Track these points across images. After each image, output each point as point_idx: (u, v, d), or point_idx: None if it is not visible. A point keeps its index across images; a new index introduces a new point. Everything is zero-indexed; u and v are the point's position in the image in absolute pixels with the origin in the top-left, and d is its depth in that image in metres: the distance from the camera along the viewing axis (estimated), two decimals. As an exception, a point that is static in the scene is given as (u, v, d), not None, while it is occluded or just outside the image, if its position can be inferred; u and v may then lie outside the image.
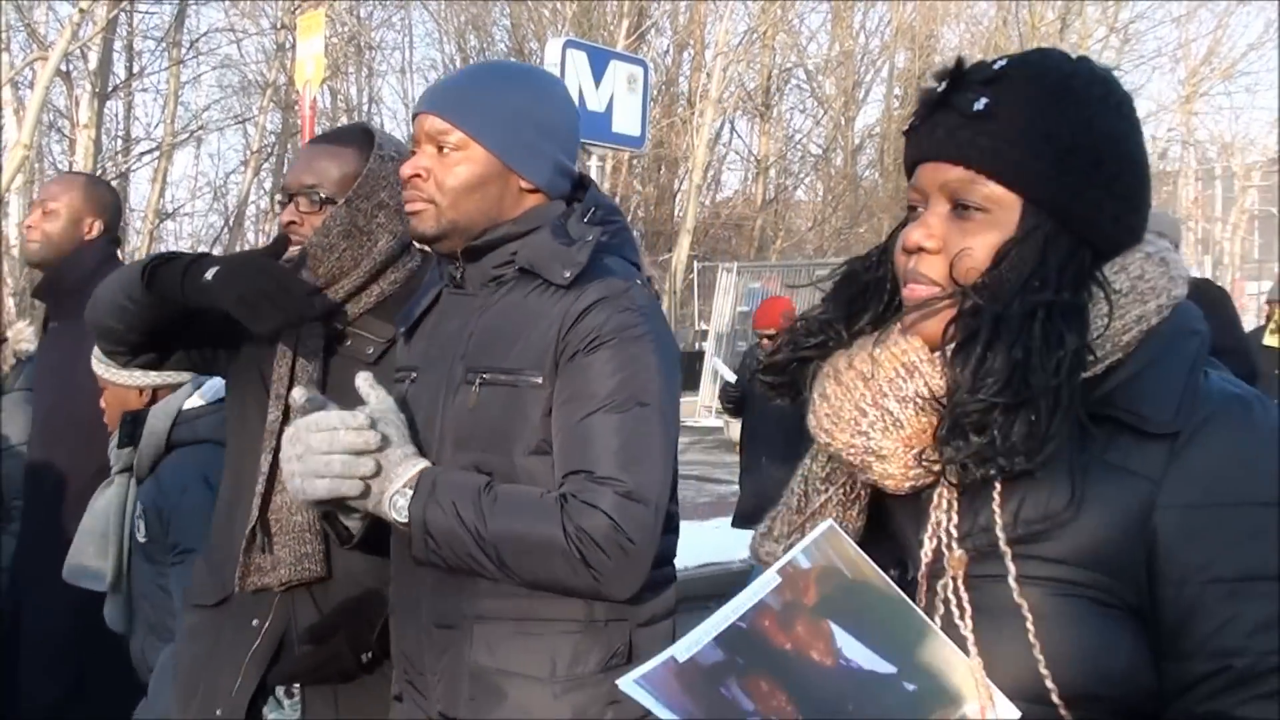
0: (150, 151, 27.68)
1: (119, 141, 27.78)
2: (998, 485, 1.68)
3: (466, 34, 34.90)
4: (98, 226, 5.04)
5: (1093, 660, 1.64)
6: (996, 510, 1.68)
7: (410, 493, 2.50)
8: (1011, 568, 1.66)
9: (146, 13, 26.11)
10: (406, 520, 2.49)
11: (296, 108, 23.90)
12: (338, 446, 2.47)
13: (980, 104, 1.74)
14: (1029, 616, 1.64)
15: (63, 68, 19.94)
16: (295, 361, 3.13)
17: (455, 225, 2.72)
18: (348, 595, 3.07)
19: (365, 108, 35.53)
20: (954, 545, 1.71)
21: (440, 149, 2.73)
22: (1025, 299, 1.67)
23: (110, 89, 24.48)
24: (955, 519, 1.73)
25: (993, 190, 1.72)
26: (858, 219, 37.61)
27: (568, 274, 2.62)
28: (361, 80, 35.14)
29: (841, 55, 38.69)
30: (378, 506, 2.52)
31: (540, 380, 2.60)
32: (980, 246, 1.73)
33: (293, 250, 3.10)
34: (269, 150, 30.62)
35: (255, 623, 3.13)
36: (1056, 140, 1.71)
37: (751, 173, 39.45)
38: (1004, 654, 1.64)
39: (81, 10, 17.21)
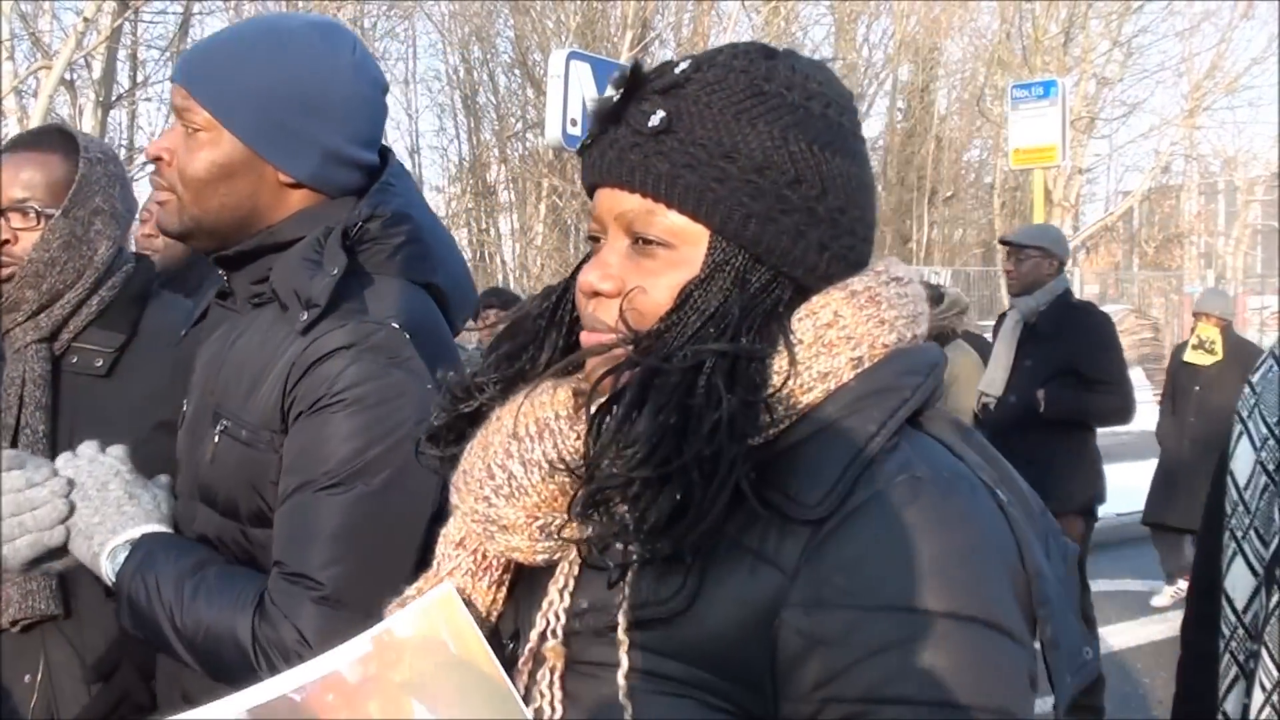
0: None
1: (123, 151, 27.81)
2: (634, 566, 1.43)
3: (470, 44, 34.87)
4: None
5: None
6: (626, 590, 1.43)
7: (125, 554, 2.20)
8: (624, 659, 1.42)
9: (150, 22, 26.11)
10: (114, 583, 2.21)
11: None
12: (24, 508, 2.22)
13: (656, 118, 1.47)
14: (627, 709, 1.41)
15: (67, 76, 19.93)
16: (24, 387, 2.86)
17: (199, 223, 2.29)
18: (110, 627, 2.71)
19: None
20: (558, 631, 1.49)
21: (188, 128, 2.27)
22: (692, 349, 1.41)
23: (114, 98, 24.47)
24: (567, 601, 1.50)
25: (674, 221, 1.47)
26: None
27: (304, 316, 2.16)
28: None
29: (844, 67, 38.69)
30: (94, 563, 2.23)
31: (271, 439, 2.17)
32: (659, 288, 1.47)
33: (4, 272, 2.86)
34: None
35: (27, 679, 2.85)
36: (744, 158, 1.45)
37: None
38: None
39: (85, 19, 17.22)
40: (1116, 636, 9.26)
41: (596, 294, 1.51)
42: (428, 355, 2.15)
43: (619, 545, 1.41)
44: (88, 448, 2.33)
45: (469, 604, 1.54)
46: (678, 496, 1.36)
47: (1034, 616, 1.41)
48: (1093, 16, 33.98)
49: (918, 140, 38.10)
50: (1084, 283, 31.64)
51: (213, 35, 2.39)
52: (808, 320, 1.46)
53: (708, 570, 1.40)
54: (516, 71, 33.96)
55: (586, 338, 1.52)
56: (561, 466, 1.46)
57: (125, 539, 2.20)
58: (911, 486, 1.39)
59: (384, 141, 2.41)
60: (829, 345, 1.45)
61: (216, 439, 2.22)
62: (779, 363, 1.43)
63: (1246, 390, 2.34)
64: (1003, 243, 7.94)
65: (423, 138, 39.85)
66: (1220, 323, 10.40)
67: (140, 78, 27.68)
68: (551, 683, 1.47)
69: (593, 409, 1.44)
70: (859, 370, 1.46)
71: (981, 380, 7.69)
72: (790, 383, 1.43)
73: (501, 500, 1.51)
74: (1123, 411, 7.43)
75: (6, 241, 2.88)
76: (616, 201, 1.49)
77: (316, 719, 1.38)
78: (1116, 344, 7.69)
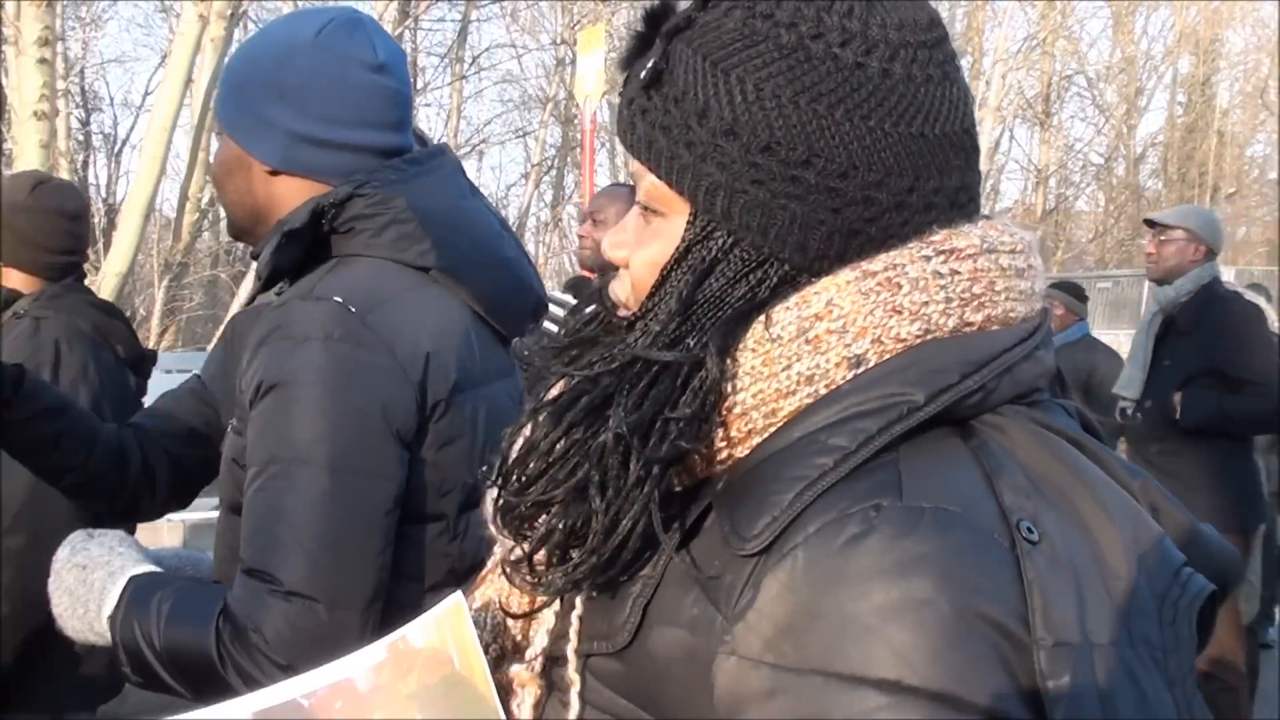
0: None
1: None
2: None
3: None
4: None
5: None
6: (575, 620, 1.32)
7: (110, 610, 2.07)
8: (574, 699, 1.31)
9: (430, 30, 26.89)
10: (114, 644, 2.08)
11: (576, 122, 24.36)
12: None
13: (646, 70, 1.25)
14: None
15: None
16: None
17: (231, 223, 2.35)
18: None
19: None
20: (538, 652, 1.37)
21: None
22: (626, 346, 1.25)
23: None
24: (551, 624, 1.37)
25: (660, 189, 1.27)
26: (1140, 231, 36.60)
27: (257, 300, 2.14)
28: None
29: (1123, 61, 37.76)
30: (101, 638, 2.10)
31: (239, 427, 2.12)
32: (648, 262, 1.29)
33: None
34: (549, 164, 31.19)
35: None
36: (714, 118, 1.21)
37: (1031, 182, 38.78)
38: None
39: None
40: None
41: (615, 264, 1.35)
42: (390, 333, 2.05)
43: (528, 578, 1.31)
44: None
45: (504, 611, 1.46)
46: (564, 521, 1.25)
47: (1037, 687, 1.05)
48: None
49: (1199, 135, 36.97)
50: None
51: None
52: (793, 310, 1.21)
53: (655, 603, 1.24)
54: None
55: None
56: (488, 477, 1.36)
57: (112, 597, 2.08)
58: (864, 520, 1.09)
59: None
60: (814, 341, 1.20)
61: (229, 436, 2.20)
62: (751, 364, 1.22)
63: None
64: (1146, 222, 6.97)
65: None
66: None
67: (420, 84, 28.48)
68: (523, 709, 1.37)
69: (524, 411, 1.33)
70: (856, 371, 1.20)
71: (1117, 382, 6.79)
72: (763, 387, 1.21)
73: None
74: (1272, 417, 6.21)
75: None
76: (630, 162, 1.32)
77: None
78: (1265, 339, 6.40)
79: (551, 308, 3.93)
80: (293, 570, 1.93)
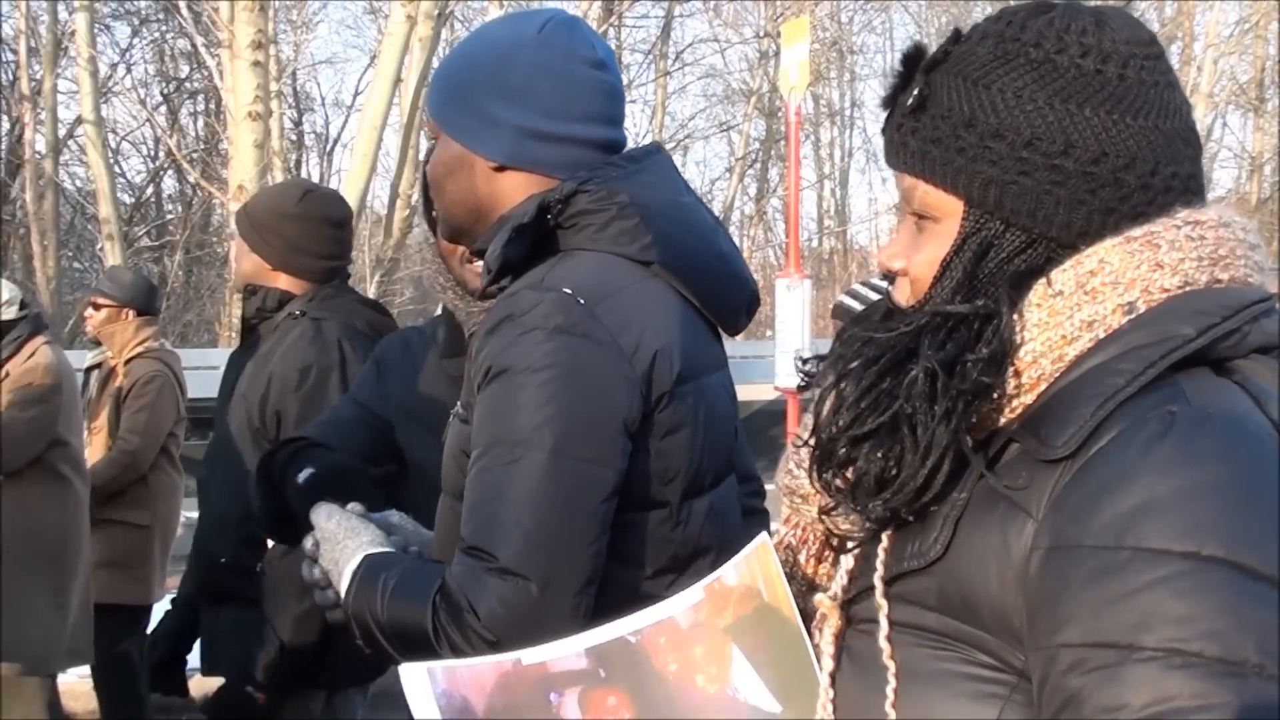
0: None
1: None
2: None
3: (947, 35, 34.53)
4: None
5: None
6: (882, 547, 1.48)
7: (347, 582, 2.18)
8: (883, 619, 1.45)
9: (634, 27, 27.05)
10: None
11: (780, 114, 24.30)
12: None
13: (912, 97, 1.51)
14: (889, 669, 1.44)
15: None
16: None
17: (449, 223, 2.40)
18: None
19: (847, 112, 35.74)
20: (837, 591, 1.53)
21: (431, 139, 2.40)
22: (922, 312, 1.47)
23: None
24: (850, 562, 1.55)
25: (933, 195, 1.50)
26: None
27: (485, 289, 2.24)
28: (843, 85, 35.29)
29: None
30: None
31: (465, 415, 2.20)
32: (928, 261, 1.51)
33: None
34: (753, 157, 31.16)
35: None
36: (981, 124, 1.46)
37: (1245, 170, 37.67)
38: (862, 708, 1.47)
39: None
40: None
41: (894, 273, 1.57)
42: (617, 324, 2.09)
43: (852, 509, 1.48)
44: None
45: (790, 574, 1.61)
46: (879, 457, 1.43)
47: None
48: None
49: None
50: None
51: None
52: (1069, 271, 1.44)
53: (965, 519, 1.41)
54: (994, 60, 33.43)
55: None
56: (801, 440, 1.54)
57: (347, 573, 2.17)
58: (1162, 422, 1.33)
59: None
60: (1092, 292, 1.42)
61: (451, 427, 2.29)
62: (1037, 317, 1.43)
63: None
64: None
65: (898, 130, 39.95)
66: None
67: (625, 81, 28.63)
68: (826, 638, 1.51)
69: (827, 380, 1.51)
70: (1131, 316, 1.42)
71: None
72: (1050, 335, 1.42)
73: (801, 472, 1.60)
74: None
75: None
76: (899, 181, 1.56)
77: (649, 658, 1.48)
78: None
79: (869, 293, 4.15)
80: (509, 548, 1.97)
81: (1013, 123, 1.45)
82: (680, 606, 1.50)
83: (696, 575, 1.94)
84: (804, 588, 1.61)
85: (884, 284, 1.61)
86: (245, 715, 3.74)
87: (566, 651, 1.51)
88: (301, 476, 2.82)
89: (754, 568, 1.51)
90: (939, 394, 1.41)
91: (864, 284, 4.88)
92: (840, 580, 1.54)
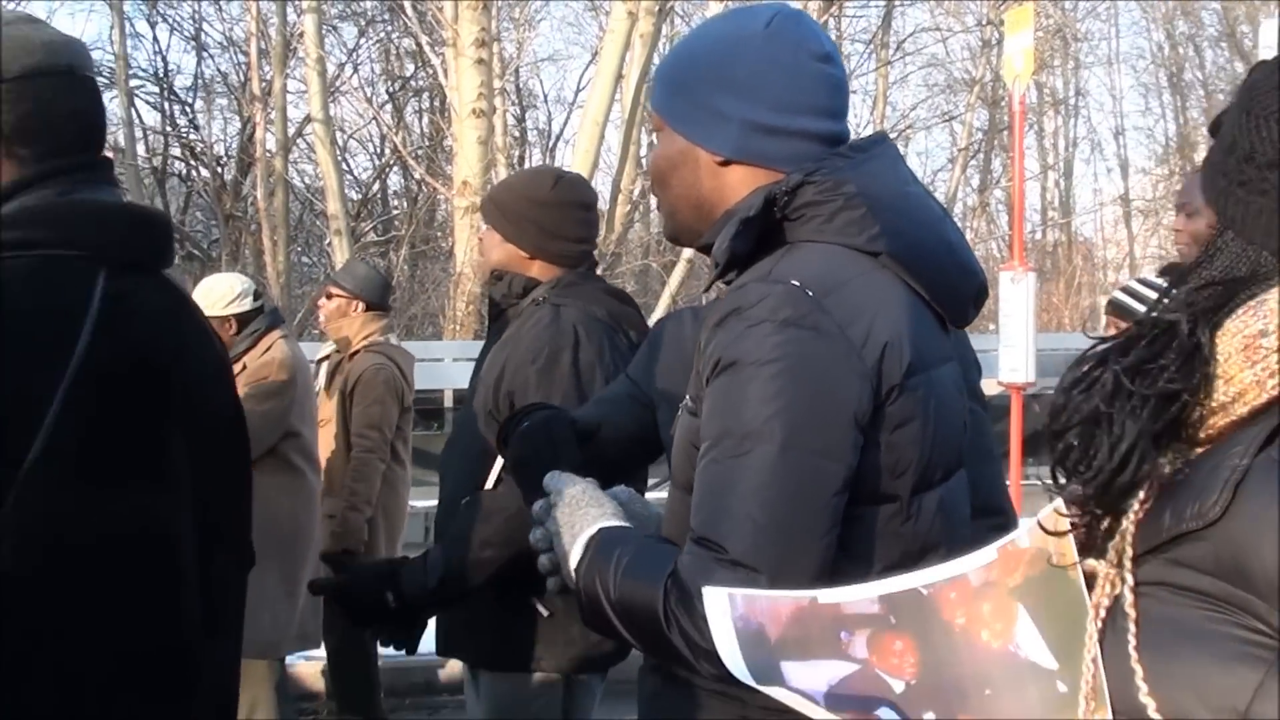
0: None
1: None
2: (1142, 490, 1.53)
3: (1175, 19, 33.66)
4: None
5: (1220, 698, 1.40)
6: (1132, 511, 1.53)
7: (579, 555, 2.22)
8: (1127, 578, 1.51)
9: (854, 16, 26.83)
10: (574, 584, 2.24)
11: (1003, 104, 23.90)
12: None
13: (1209, 126, 1.66)
14: (1160, 630, 1.46)
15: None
16: None
17: (672, 220, 2.40)
18: None
19: (1071, 101, 35.02)
20: (1116, 553, 1.55)
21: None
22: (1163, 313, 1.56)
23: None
24: (1130, 525, 1.56)
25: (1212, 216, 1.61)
26: None
27: (711, 282, 2.26)
28: (1067, 73, 34.60)
29: None
30: (565, 565, 2.27)
31: (694, 408, 2.20)
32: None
33: None
34: (976, 147, 30.73)
35: None
36: (1221, 142, 1.59)
37: None
38: (1126, 667, 1.47)
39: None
40: None
41: None
42: (846, 316, 2.07)
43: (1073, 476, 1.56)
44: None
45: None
46: (1078, 444, 1.54)
47: None
48: None
49: None
50: None
51: None
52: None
53: (1245, 485, 1.42)
54: (1224, 45, 32.52)
55: None
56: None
57: (581, 542, 2.21)
58: None
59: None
60: None
61: (679, 418, 2.29)
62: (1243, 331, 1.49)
63: None
64: None
65: (1127, 118, 38.80)
66: None
67: (847, 71, 28.47)
68: (1099, 600, 1.53)
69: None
70: None
71: None
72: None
73: None
74: None
75: None
76: None
77: (938, 610, 1.54)
78: None
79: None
80: (739, 541, 1.97)
81: (1235, 139, 1.55)
82: (973, 565, 1.55)
83: None
84: (1091, 552, 1.64)
85: (1159, 281, 1.62)
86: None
87: (859, 596, 1.57)
88: (516, 432, 2.89)
89: (1044, 532, 1.55)
90: (1127, 395, 1.50)
91: (1140, 281, 4.83)
92: (1120, 544, 1.56)
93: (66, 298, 2.02)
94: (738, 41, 2.26)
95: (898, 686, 1.56)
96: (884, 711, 1.58)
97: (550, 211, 3.93)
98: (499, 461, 3.53)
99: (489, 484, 3.62)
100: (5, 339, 1.94)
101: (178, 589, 2.10)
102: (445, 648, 4.02)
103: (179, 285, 2.31)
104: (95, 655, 1.99)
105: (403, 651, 3.58)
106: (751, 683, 1.65)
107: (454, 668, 7.60)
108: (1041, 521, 1.54)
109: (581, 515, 2.24)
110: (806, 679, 1.62)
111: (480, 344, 4.68)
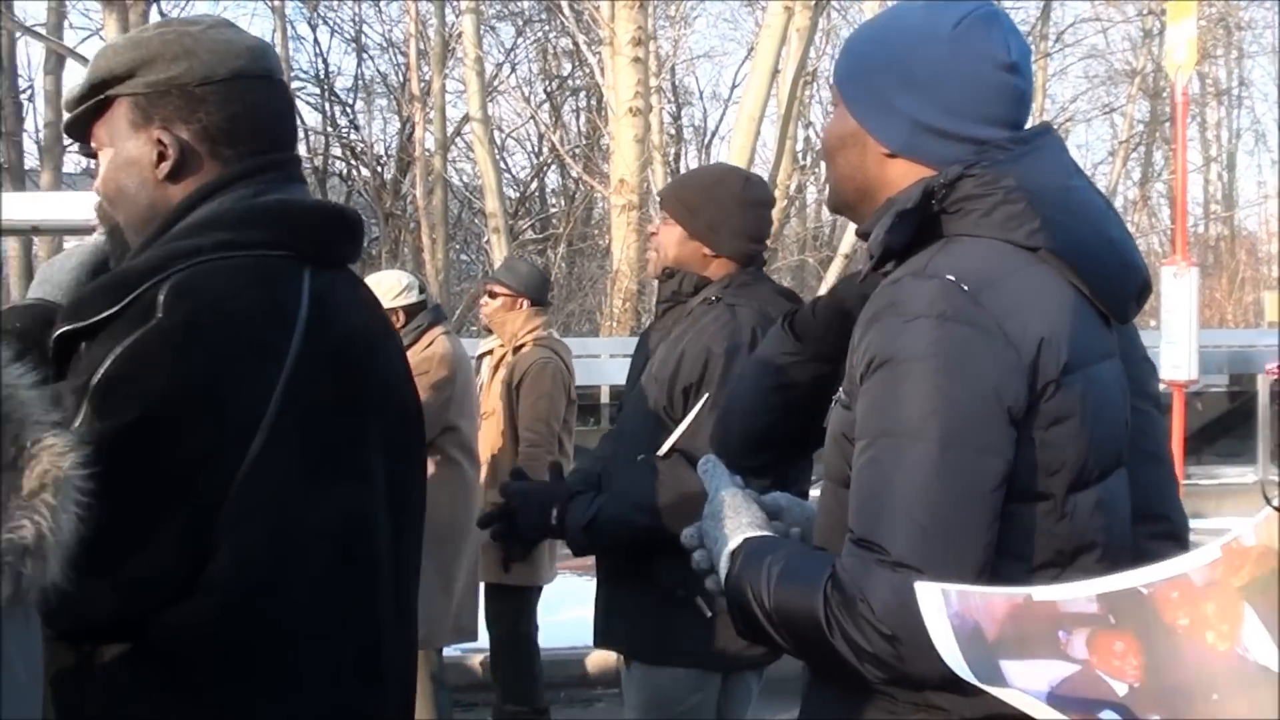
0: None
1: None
2: None
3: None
4: None
5: None
6: None
7: (727, 564, 2.20)
8: None
9: (1014, 7, 26.48)
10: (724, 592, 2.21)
11: (1165, 95, 23.45)
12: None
13: None
14: None
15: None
16: None
17: (835, 193, 2.37)
18: None
19: (1235, 92, 34.24)
20: None
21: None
22: None
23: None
24: None
25: None
26: None
27: (867, 274, 2.23)
28: (1230, 62, 33.84)
29: None
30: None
31: (847, 401, 2.16)
32: None
33: None
34: (1136, 140, 30.20)
35: None
36: None
37: None
38: None
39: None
40: None
41: None
42: (1002, 311, 2.03)
43: None
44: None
45: None
46: None
47: None
48: None
49: None
50: None
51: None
52: None
53: None
54: (1398, 32, 31.53)
55: None
56: None
57: (728, 550, 2.20)
58: None
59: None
60: None
61: (833, 410, 2.25)
62: None
63: None
64: None
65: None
66: None
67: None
68: None
69: None
70: None
71: None
72: None
73: None
74: None
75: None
76: None
77: (1159, 611, 1.49)
78: None
79: None
80: (900, 541, 1.94)
81: None
82: (1195, 563, 1.50)
83: (1081, 572, 1.95)
84: None
85: None
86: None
87: (1076, 594, 1.54)
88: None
89: (1273, 529, 1.48)
90: None
91: None
92: None
93: (280, 297, 2.08)
94: (923, 39, 2.21)
95: (1120, 689, 1.52)
96: (1107, 714, 1.53)
97: (742, 210, 3.94)
98: (680, 427, 3.62)
99: (662, 451, 3.67)
100: (228, 339, 2.01)
101: (374, 583, 2.17)
102: (602, 639, 4.06)
103: (363, 281, 2.38)
104: (312, 654, 2.08)
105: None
106: (975, 682, 1.61)
107: (608, 660, 7.69)
108: (1271, 517, 1.49)
109: (722, 524, 2.24)
110: (1028, 679, 1.57)
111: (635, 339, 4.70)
